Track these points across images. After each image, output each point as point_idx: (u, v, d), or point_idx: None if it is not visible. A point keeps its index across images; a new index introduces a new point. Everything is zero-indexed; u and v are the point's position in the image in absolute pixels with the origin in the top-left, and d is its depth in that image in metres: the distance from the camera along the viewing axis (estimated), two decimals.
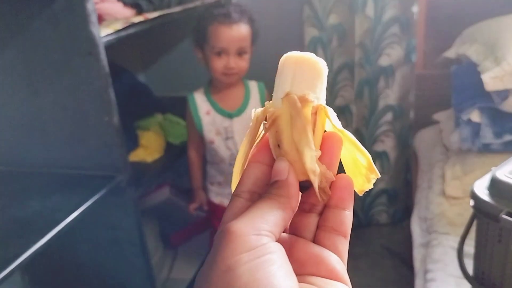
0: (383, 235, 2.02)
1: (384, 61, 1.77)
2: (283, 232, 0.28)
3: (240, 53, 1.38)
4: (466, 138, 1.13)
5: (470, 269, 0.72)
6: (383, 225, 2.07)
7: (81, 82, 1.09)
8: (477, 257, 0.69)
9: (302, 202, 0.29)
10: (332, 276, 0.26)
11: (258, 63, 1.53)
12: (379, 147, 1.93)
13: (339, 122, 0.30)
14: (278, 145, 0.29)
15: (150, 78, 2.21)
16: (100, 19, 1.20)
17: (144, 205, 1.61)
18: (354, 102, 1.87)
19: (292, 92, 0.28)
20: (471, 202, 0.66)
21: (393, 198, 2.02)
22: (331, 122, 0.29)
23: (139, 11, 1.32)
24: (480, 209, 0.64)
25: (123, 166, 1.17)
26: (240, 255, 0.24)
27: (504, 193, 0.62)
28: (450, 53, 1.39)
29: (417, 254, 1.05)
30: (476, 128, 1.12)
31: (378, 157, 1.95)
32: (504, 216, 0.60)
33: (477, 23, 1.40)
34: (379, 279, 1.75)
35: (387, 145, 1.92)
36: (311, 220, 0.28)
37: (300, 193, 0.28)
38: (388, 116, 1.87)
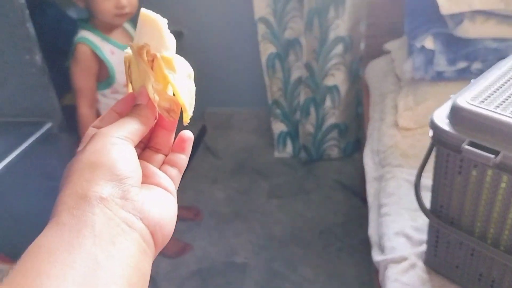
0: (335, 169, 2.02)
1: None
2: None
3: None
4: (419, 66, 1.09)
5: (426, 202, 0.70)
6: (334, 159, 2.07)
7: None
8: (435, 190, 0.66)
9: (152, 146, 0.40)
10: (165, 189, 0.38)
11: None
12: (329, 81, 1.88)
13: (173, 69, 0.37)
14: (131, 82, 0.38)
15: (83, 14, 2.03)
16: None
17: None
18: (304, 34, 1.79)
19: (135, 43, 0.36)
20: (430, 133, 0.62)
21: (344, 132, 2.01)
22: (162, 68, 0.36)
23: None
24: (440, 140, 0.60)
25: (52, 111, 1.06)
26: (102, 146, 0.33)
27: (466, 121, 0.57)
28: None
29: (370, 188, 1.03)
30: (429, 56, 1.08)
31: (329, 91, 1.91)
32: (466, 147, 0.56)
33: None
34: (331, 212, 1.77)
35: (338, 78, 1.88)
36: (159, 158, 0.40)
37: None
38: (339, 48, 1.81)
